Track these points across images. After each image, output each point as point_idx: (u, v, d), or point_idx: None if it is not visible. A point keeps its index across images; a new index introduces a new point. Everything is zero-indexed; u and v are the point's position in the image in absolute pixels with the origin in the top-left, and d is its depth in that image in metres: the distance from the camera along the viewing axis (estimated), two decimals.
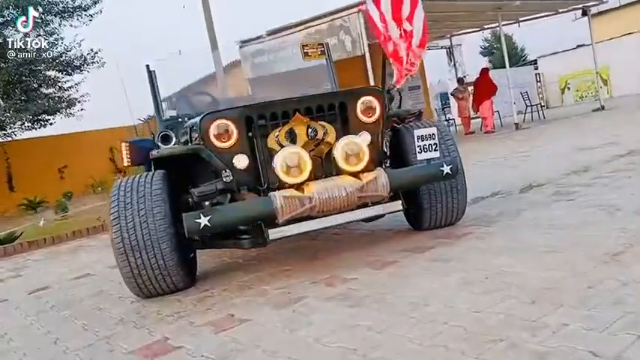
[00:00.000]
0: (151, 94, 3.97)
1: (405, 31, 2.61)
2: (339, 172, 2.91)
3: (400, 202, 2.87)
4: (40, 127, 16.26)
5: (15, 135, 15.61)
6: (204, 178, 3.20)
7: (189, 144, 3.01)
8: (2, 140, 15.45)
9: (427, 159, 2.96)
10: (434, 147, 2.96)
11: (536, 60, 30.78)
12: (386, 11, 2.62)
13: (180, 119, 3.93)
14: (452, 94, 15.82)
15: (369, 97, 3.13)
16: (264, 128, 2.99)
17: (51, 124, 16.60)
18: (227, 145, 2.94)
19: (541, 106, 16.94)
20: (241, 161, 2.95)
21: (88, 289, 3.76)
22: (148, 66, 3.97)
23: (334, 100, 3.11)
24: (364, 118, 3.12)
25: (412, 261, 2.82)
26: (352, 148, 2.84)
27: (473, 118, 15.23)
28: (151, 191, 2.92)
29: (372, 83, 10.98)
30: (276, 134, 2.97)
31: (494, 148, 9.20)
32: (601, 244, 2.50)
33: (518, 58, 35.74)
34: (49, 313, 3.27)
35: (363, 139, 3.09)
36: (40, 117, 15.65)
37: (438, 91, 22.58)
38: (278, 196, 2.68)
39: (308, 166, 2.76)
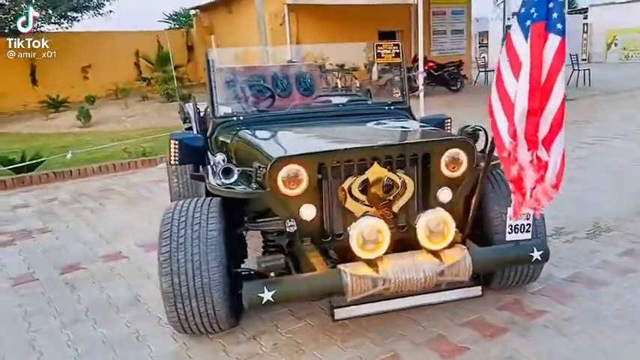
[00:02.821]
0: (207, 86, 3.55)
1: (538, 158, 2.09)
2: (415, 239, 2.61)
3: (480, 287, 2.58)
4: (67, 24, 15.56)
5: (42, 30, 14.96)
6: (261, 213, 2.91)
7: (253, 180, 2.67)
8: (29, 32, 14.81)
9: (516, 240, 2.63)
10: (527, 228, 2.62)
11: (587, 8, 28.75)
12: (518, 123, 2.09)
13: (234, 117, 3.56)
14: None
15: (457, 150, 2.75)
16: (337, 177, 2.65)
17: (78, 21, 15.89)
18: (295, 192, 2.61)
19: (583, 60, 15.88)
20: (308, 212, 2.65)
21: (122, 287, 3.59)
22: (207, 53, 3.52)
23: (419, 150, 2.73)
24: (448, 173, 2.76)
25: (483, 351, 2.59)
26: (438, 224, 2.50)
27: None
28: (206, 231, 2.64)
29: (420, 39, 10.21)
30: (349, 185, 2.64)
31: None
32: None
33: (565, 3, 33.17)
34: (84, 325, 3.12)
35: (444, 195, 2.77)
36: (68, 14, 14.92)
37: (477, 30, 21.22)
38: (349, 273, 2.40)
39: (386, 241, 2.45)
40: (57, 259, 4.22)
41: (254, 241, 3.26)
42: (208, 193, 3.11)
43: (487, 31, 21.96)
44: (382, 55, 3.86)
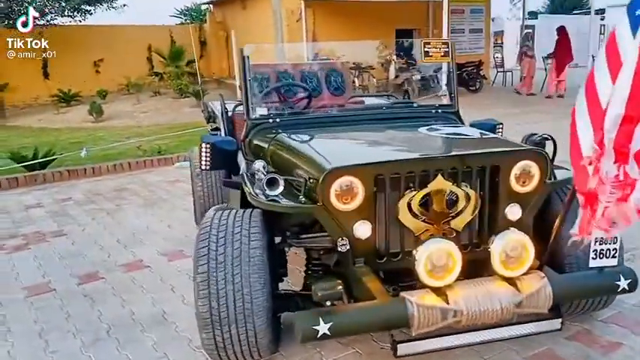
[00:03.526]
0: (241, 85, 3.26)
1: (626, 175, 1.70)
2: (481, 261, 2.32)
3: (560, 320, 2.28)
4: (80, 16, 15.30)
5: (55, 22, 14.72)
6: (304, 227, 2.62)
7: (300, 193, 2.37)
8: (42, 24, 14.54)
9: (601, 266, 2.31)
10: (613, 253, 2.30)
11: (604, 9, 28.24)
12: (609, 131, 1.71)
13: (270, 119, 3.26)
14: (523, 52, 14.33)
15: (529, 162, 2.44)
16: (395, 190, 2.35)
17: (91, 14, 15.63)
18: (349, 207, 2.31)
19: None
20: (363, 230, 2.34)
21: (146, 301, 3.30)
22: (241, 50, 3.22)
23: (487, 162, 2.42)
24: (518, 187, 2.45)
25: None
26: (515, 247, 2.20)
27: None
28: (249, 248, 2.35)
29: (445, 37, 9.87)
30: (409, 200, 2.34)
31: None
32: None
33: (576, 2, 32.53)
34: (107, 346, 2.84)
35: (513, 212, 2.46)
36: (81, 6, 14.67)
37: (492, 30, 20.79)
38: (415, 304, 2.10)
39: (458, 267, 2.15)
40: (74, 266, 3.95)
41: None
42: (245, 203, 2.84)
43: (502, 31, 21.54)
44: (430, 54, 3.54)
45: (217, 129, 4.35)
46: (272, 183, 2.43)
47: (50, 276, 3.78)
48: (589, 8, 30.17)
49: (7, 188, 6.55)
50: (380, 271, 2.52)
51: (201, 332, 2.34)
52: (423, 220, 2.37)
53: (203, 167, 3.24)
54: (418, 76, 12.91)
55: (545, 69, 13.98)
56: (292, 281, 3.09)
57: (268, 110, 3.34)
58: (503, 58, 16.73)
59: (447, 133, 2.92)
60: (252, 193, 2.51)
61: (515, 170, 2.44)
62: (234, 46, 10.13)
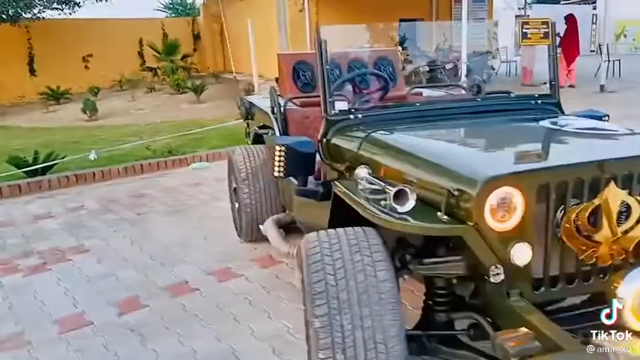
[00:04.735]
0: (318, 74, 2.72)
1: None
2: None
3: None
4: (69, 10, 14.53)
5: (42, 16, 13.93)
6: (422, 249, 2.12)
7: (443, 208, 1.85)
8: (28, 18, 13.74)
9: None
10: None
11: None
12: None
13: (352, 115, 2.73)
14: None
15: None
16: (560, 203, 1.85)
17: (80, 6, 14.86)
18: (506, 226, 1.81)
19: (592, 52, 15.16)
20: (523, 253, 1.83)
21: (208, 336, 2.76)
22: (318, 32, 2.68)
23: None
24: None
25: None
26: None
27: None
28: (377, 281, 1.84)
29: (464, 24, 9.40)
30: (575, 214, 1.84)
31: None
32: None
33: None
34: None
35: None
36: None
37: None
38: (622, 356, 1.61)
39: None
40: (107, 291, 3.38)
41: None
42: (334, 219, 2.34)
43: (497, 21, 21.21)
44: (528, 36, 3.05)
45: (265, 127, 3.80)
46: (400, 196, 1.91)
47: (82, 304, 3.22)
48: None
49: (9, 196, 5.91)
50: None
51: None
52: (591, 240, 1.88)
53: (276, 174, 2.69)
54: (427, 68, 12.51)
55: None
56: None
57: (349, 105, 2.81)
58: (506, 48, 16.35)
59: (583, 129, 2.42)
60: (370, 209, 1.99)
61: None
62: (250, 37, 9.48)
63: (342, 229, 2.10)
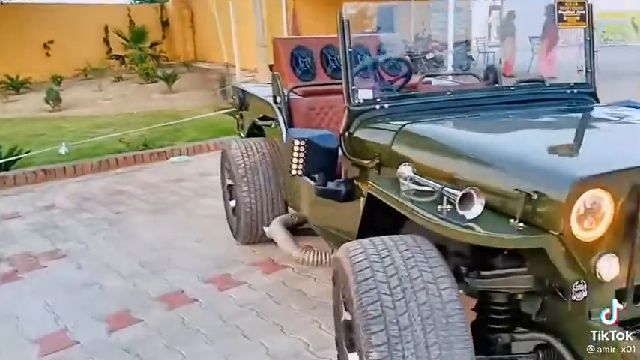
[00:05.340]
0: (340, 58, 2.40)
1: None
2: None
3: None
4: None
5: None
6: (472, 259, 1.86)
7: (518, 214, 1.56)
8: None
9: None
10: None
11: None
12: None
13: (377, 105, 2.43)
14: (505, 32, 13.95)
15: None
16: None
17: None
18: (592, 235, 1.56)
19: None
20: (610, 266, 1.58)
21: (216, 357, 2.42)
22: (340, 13, 2.35)
23: None
24: None
25: None
26: None
27: None
28: (442, 301, 1.56)
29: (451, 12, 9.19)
30: None
31: None
32: None
33: None
34: None
35: None
36: None
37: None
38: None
39: None
40: (92, 303, 3.00)
41: None
42: (365, 224, 2.06)
43: (470, 10, 21.21)
44: (565, 18, 2.79)
45: (266, 118, 3.45)
46: (463, 201, 1.62)
47: (65, 320, 2.82)
48: None
49: None
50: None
51: None
52: None
53: (294, 172, 2.37)
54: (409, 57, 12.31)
55: (532, 49, 13.62)
56: None
57: (373, 93, 2.50)
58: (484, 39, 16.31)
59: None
60: (424, 214, 1.69)
61: None
62: (232, 21, 9.02)
63: (387, 237, 1.82)
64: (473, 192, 1.60)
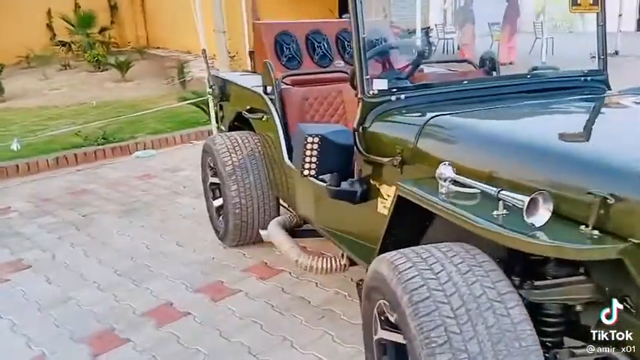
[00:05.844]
0: (353, 45, 2.16)
1: None
2: None
3: None
4: None
5: None
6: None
7: (592, 224, 1.37)
8: None
9: None
10: None
11: None
12: None
13: (393, 97, 2.21)
14: (465, 18, 13.98)
15: None
16: None
17: None
18: None
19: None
20: None
21: None
22: None
23: None
24: None
25: None
26: None
27: None
28: (512, 325, 1.38)
29: None
30: None
31: None
32: None
33: None
34: None
35: None
36: None
37: None
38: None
39: None
40: (69, 322, 2.66)
41: None
42: (391, 229, 1.87)
43: None
44: (578, 2, 2.65)
45: (254, 110, 3.17)
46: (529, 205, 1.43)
47: (40, 344, 2.48)
48: None
49: None
50: None
51: None
52: None
53: (306, 172, 2.12)
54: None
55: (492, 36, 13.71)
56: None
57: (389, 83, 2.27)
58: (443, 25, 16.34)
59: None
60: (479, 222, 1.49)
61: None
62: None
63: (431, 246, 1.62)
64: (540, 197, 1.42)
